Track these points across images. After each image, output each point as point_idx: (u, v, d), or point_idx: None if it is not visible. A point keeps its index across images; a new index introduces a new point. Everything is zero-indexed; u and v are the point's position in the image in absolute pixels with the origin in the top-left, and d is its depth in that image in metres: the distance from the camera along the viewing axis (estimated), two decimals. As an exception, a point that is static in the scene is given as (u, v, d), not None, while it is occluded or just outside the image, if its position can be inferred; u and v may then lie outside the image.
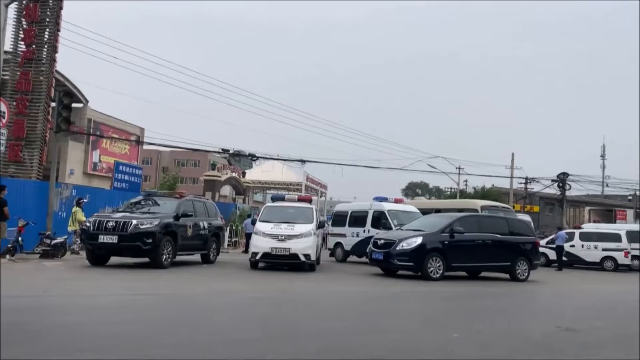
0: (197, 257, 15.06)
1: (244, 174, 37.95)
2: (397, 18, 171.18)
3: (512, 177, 40.30)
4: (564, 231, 24.33)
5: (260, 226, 14.19)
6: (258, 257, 13.68)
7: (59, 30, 19.34)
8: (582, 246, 24.42)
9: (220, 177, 33.81)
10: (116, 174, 21.07)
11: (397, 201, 19.69)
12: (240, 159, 37.75)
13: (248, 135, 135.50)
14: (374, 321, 7.42)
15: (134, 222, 12.37)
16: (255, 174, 56.30)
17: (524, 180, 41.45)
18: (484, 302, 10.65)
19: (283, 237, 13.62)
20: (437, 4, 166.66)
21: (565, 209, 50.66)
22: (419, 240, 13.56)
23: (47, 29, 19.28)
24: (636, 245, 24.21)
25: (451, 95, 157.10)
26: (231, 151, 37.49)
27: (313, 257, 13.91)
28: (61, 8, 19.41)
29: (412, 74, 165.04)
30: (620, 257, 23.48)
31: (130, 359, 4.69)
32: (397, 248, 13.47)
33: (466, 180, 50.03)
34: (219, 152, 43.01)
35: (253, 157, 27.51)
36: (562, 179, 38.53)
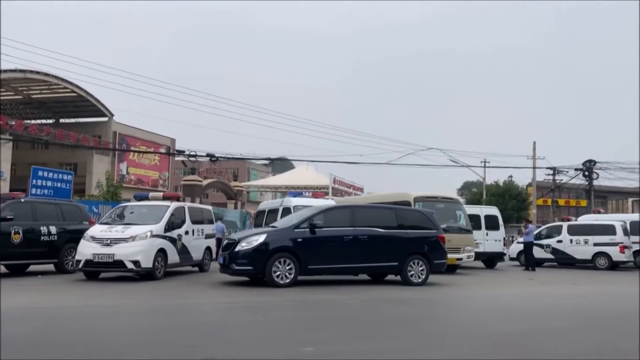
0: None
1: (235, 177, 36.41)
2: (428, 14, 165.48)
3: (534, 168, 36.45)
4: (532, 225, 21.01)
5: (92, 229, 12.47)
6: (80, 265, 11.90)
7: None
8: (571, 241, 21.01)
9: (201, 181, 32.39)
10: (33, 180, 20.08)
11: (315, 196, 17.44)
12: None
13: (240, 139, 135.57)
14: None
15: None
16: (281, 179, 55.16)
17: (549, 172, 37.34)
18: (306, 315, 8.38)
19: (108, 242, 11.77)
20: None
21: (608, 200, 45.79)
22: (261, 238, 11.31)
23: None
24: (636, 239, 20.56)
25: (450, 92, 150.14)
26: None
27: (146, 264, 11.82)
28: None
29: (416, 69, 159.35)
30: (615, 253, 19.92)
31: None
32: (237, 249, 11.27)
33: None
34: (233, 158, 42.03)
35: (213, 158, 25.88)
36: (588, 168, 34.30)
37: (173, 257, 12.94)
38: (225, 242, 12.10)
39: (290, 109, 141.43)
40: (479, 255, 19.49)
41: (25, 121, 48.82)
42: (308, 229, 11.60)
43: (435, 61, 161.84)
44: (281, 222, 12.69)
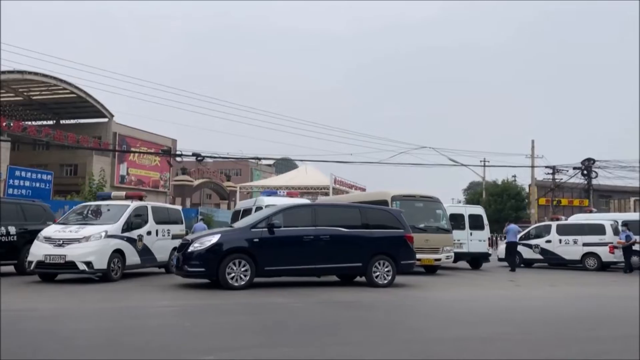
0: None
1: (228, 178, 36.09)
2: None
3: (532, 167, 35.80)
4: (514, 224, 20.44)
5: (46, 230, 12.14)
6: (32, 266, 11.57)
7: None
8: (560, 241, 20.43)
9: (192, 182, 32.04)
10: (10, 180, 19.88)
11: (290, 195, 17.02)
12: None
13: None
14: None
15: None
16: (283, 179, 54.81)
17: (548, 170, 36.61)
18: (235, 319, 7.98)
19: (61, 242, 11.44)
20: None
21: (610, 200, 45.09)
22: (214, 238, 10.90)
23: None
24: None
25: (449, 92, 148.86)
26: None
27: (100, 266, 11.46)
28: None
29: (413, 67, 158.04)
30: (605, 254, 19.31)
31: None
32: (189, 250, 10.88)
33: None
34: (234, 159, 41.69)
35: (199, 157, 25.56)
36: (587, 166, 33.60)
37: (132, 258, 12.60)
38: (180, 242, 11.67)
39: (291, 109, 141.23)
40: (462, 256, 19.04)
41: (26, 122, 48.98)
42: (266, 229, 11.19)
43: (434, 61, 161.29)
44: (240, 222, 12.30)
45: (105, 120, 54.47)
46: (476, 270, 19.21)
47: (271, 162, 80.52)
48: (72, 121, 56.16)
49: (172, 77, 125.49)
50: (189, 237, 11.83)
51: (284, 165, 75.24)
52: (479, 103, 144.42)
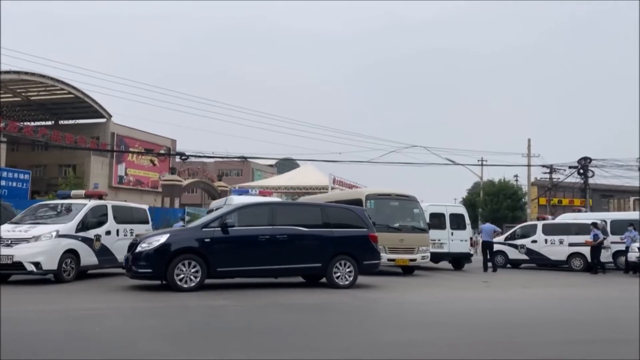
0: None
1: (220, 177, 35.80)
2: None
3: (529, 165, 35.20)
4: (489, 224, 19.95)
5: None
6: (-22, 267, 11.25)
7: None
8: (546, 241, 19.93)
9: (181, 181, 31.76)
10: (-17, 180, 19.71)
11: (263, 194, 16.64)
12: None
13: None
14: None
15: None
16: (283, 179, 54.47)
17: (545, 170, 35.99)
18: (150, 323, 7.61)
19: (9, 242, 11.11)
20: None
21: (609, 199, 44.47)
22: (163, 238, 10.52)
23: None
24: (617, 239, 19.39)
25: (448, 91, 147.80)
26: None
27: (50, 266, 11.12)
28: None
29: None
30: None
31: None
32: (137, 250, 10.52)
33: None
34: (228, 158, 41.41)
35: (183, 156, 25.23)
36: (583, 165, 32.97)
37: (88, 258, 12.26)
38: (130, 242, 11.32)
39: (291, 110, 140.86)
40: (443, 256, 18.60)
41: (24, 123, 48.97)
42: (219, 228, 10.81)
43: (433, 61, 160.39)
44: (195, 222, 11.93)
45: (104, 120, 54.43)
46: (458, 271, 18.74)
47: (273, 162, 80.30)
48: (71, 122, 56.14)
49: (170, 78, 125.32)
50: (140, 236, 11.45)
51: (287, 165, 74.88)
52: (476, 103, 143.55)
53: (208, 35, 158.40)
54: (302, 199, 19.51)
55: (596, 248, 17.86)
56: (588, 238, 18.08)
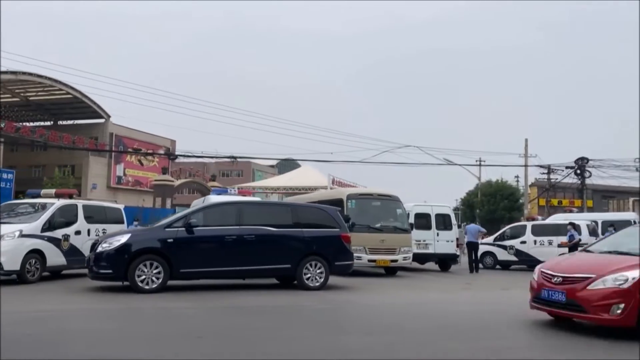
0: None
1: (213, 178, 35.60)
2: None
3: (526, 166, 34.77)
4: (474, 224, 19.59)
5: (-40, 229, 11.59)
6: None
7: None
8: (535, 242, 19.57)
9: (173, 181, 31.57)
10: (-35, 180, 19.53)
11: (242, 194, 16.38)
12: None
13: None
14: None
15: None
16: (283, 179, 54.22)
17: (543, 170, 35.56)
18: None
19: (-33, 242, 10.90)
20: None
21: (607, 200, 43.99)
22: (124, 238, 10.28)
23: None
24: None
25: (445, 91, 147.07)
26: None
27: (12, 267, 10.83)
28: None
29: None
30: (580, 255, 18.34)
31: None
32: (98, 250, 10.27)
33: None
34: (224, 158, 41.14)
35: (172, 156, 24.98)
36: (580, 166, 32.54)
37: (55, 258, 12.00)
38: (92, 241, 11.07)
39: (293, 110, 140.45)
40: (429, 257, 18.29)
41: (23, 123, 48.99)
42: (183, 228, 10.54)
43: (433, 61, 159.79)
44: (158, 222, 11.64)
45: (102, 121, 54.34)
46: (444, 272, 18.40)
47: (274, 162, 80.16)
48: (70, 122, 56.11)
49: (170, 78, 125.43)
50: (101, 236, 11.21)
51: (288, 165, 74.62)
52: (476, 103, 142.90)
53: (208, 35, 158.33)
54: (287, 199, 19.23)
55: (573, 249, 17.48)
56: (564, 239, 17.73)
